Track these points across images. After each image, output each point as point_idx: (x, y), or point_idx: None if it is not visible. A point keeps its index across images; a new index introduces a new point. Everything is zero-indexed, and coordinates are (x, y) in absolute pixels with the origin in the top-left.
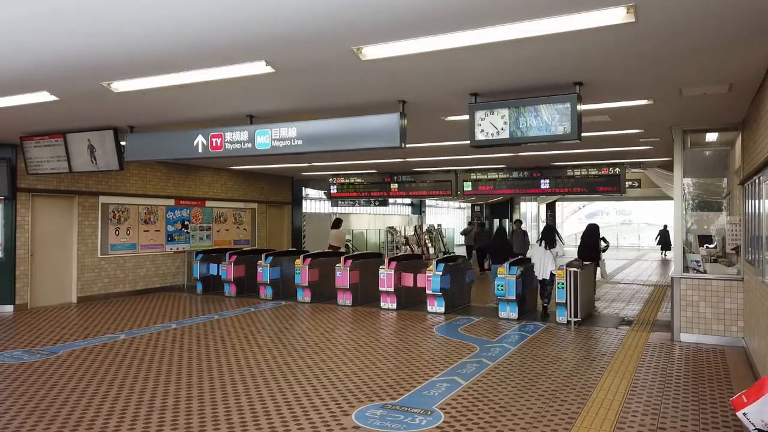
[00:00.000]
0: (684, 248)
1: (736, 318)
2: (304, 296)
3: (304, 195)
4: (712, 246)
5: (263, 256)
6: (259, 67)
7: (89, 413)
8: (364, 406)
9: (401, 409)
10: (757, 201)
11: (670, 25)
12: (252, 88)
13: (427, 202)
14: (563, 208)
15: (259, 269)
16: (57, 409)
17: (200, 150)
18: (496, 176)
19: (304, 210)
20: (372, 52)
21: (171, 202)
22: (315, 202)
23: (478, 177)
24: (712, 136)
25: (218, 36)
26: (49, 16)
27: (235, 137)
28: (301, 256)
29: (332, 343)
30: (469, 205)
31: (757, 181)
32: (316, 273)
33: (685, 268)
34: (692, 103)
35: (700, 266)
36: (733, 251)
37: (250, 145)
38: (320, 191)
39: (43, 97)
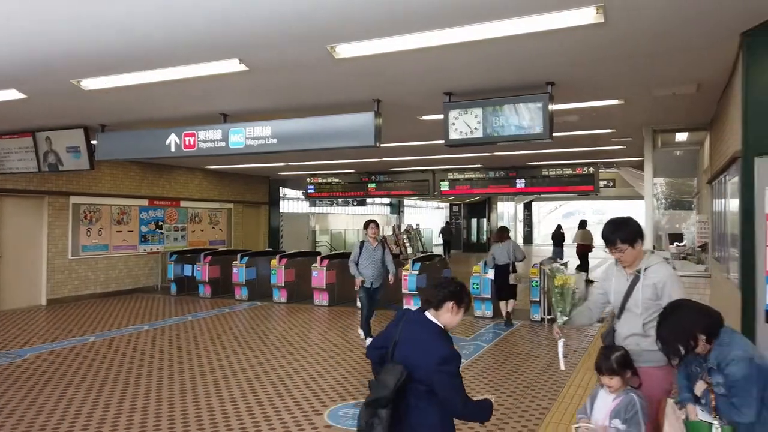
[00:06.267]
0: (654, 246)
1: None
2: (280, 296)
3: (281, 195)
4: (681, 244)
5: (239, 256)
6: (233, 66)
7: (55, 417)
8: (336, 405)
9: None
10: (722, 200)
11: (639, 26)
12: (226, 87)
13: (406, 201)
14: (540, 208)
15: (235, 270)
16: (21, 413)
17: (173, 149)
18: (473, 176)
19: (281, 210)
20: (346, 50)
21: (144, 202)
22: (292, 203)
23: (455, 177)
24: (681, 136)
25: (191, 34)
26: (17, 12)
27: (209, 136)
28: (277, 257)
29: (307, 343)
30: (448, 204)
31: (722, 180)
32: (292, 273)
33: None
34: (662, 103)
35: (669, 263)
36: (701, 249)
37: (223, 144)
38: (298, 191)
39: (11, 95)
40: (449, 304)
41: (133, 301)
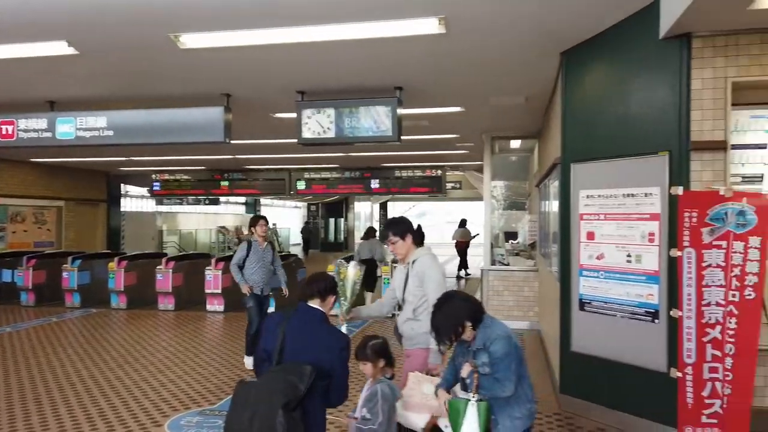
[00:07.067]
0: (492, 243)
1: (533, 305)
2: (119, 302)
3: (123, 192)
4: (516, 241)
5: (70, 259)
6: (60, 48)
7: None
8: (179, 414)
9: (220, 414)
10: (547, 201)
11: (476, 39)
12: (53, 71)
13: (262, 200)
14: (395, 208)
15: (65, 274)
16: None
17: None
18: (329, 176)
19: (123, 208)
20: (191, 40)
21: None
22: (137, 200)
23: (311, 176)
24: (515, 143)
25: (8, 9)
26: None
27: (31, 125)
28: (116, 259)
29: (148, 351)
30: (306, 204)
31: (547, 183)
32: (134, 276)
33: (493, 262)
34: (498, 112)
35: (504, 259)
36: (530, 246)
37: (49, 135)
38: (142, 188)
39: None
40: (332, 298)
41: None
